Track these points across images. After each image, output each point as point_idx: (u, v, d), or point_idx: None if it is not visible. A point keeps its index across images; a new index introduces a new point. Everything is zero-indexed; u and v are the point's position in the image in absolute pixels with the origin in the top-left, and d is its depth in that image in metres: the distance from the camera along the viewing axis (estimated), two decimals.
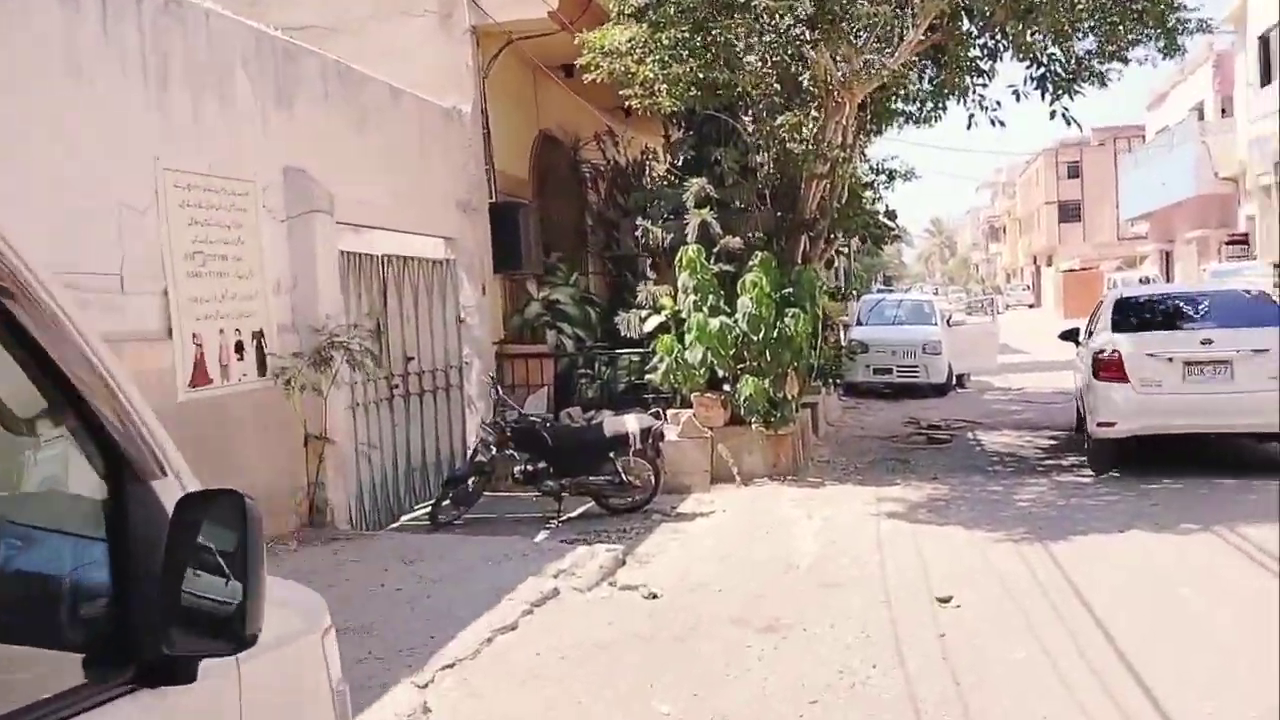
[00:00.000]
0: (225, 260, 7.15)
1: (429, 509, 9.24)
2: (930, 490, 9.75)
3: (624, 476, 9.31)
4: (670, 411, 10.70)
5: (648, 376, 10.95)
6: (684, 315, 10.37)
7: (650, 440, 9.31)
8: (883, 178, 15.00)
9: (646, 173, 15.29)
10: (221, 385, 7.02)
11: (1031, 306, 62.66)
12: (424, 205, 10.10)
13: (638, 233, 11.09)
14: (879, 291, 29.87)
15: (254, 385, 7.36)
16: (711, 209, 10.60)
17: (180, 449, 5.11)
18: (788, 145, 11.09)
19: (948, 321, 19.00)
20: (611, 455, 9.29)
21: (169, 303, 6.58)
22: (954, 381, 18.30)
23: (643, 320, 10.97)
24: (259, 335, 7.45)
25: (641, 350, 11.17)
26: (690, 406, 10.73)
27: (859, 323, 18.74)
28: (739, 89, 10.57)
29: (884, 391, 18.35)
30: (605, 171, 14.23)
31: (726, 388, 10.50)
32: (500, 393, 9.54)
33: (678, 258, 10.29)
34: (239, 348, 7.23)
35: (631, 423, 9.30)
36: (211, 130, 7.10)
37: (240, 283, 7.29)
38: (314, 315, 7.91)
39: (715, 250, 10.60)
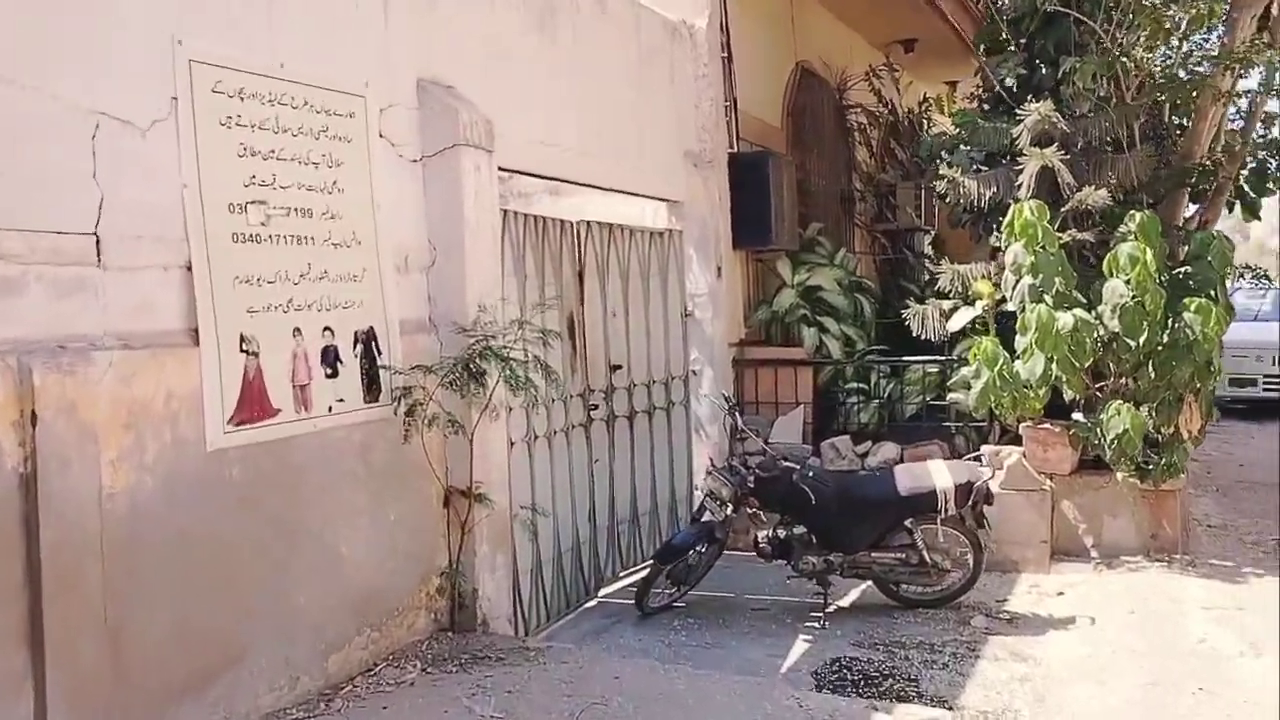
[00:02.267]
0: (308, 218, 4.47)
1: (637, 585, 6.34)
2: None
3: (926, 555, 6.07)
4: (987, 448, 7.32)
5: (950, 396, 7.60)
6: (1014, 307, 6.96)
7: (972, 503, 6.01)
8: None
9: (926, 129, 11.83)
10: (296, 418, 4.34)
11: None
12: (638, 153, 7.19)
13: (939, 186, 7.69)
14: None
15: (356, 416, 4.65)
16: (1060, 151, 7.08)
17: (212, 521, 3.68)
18: (1165, 58, 7.44)
19: None
20: (908, 523, 6.07)
21: (195, 284, 3.94)
22: None
23: (945, 315, 7.61)
24: (367, 337, 4.74)
25: (940, 358, 7.82)
26: (1017, 441, 7.32)
27: None
28: None
29: (1238, 409, 13.95)
30: (881, 118, 10.89)
31: (1077, 416, 6.99)
32: (740, 421, 6.47)
33: (1007, 221, 6.86)
34: (329, 357, 4.54)
35: (942, 474, 6.03)
36: (288, 8, 4.43)
37: (336, 254, 4.60)
38: (460, 307, 5.14)
39: (1063, 210, 7.10)
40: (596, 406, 6.73)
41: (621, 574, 7.05)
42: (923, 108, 12.21)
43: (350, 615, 4.59)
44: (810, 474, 6.00)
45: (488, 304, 5.22)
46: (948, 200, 7.73)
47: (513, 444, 5.74)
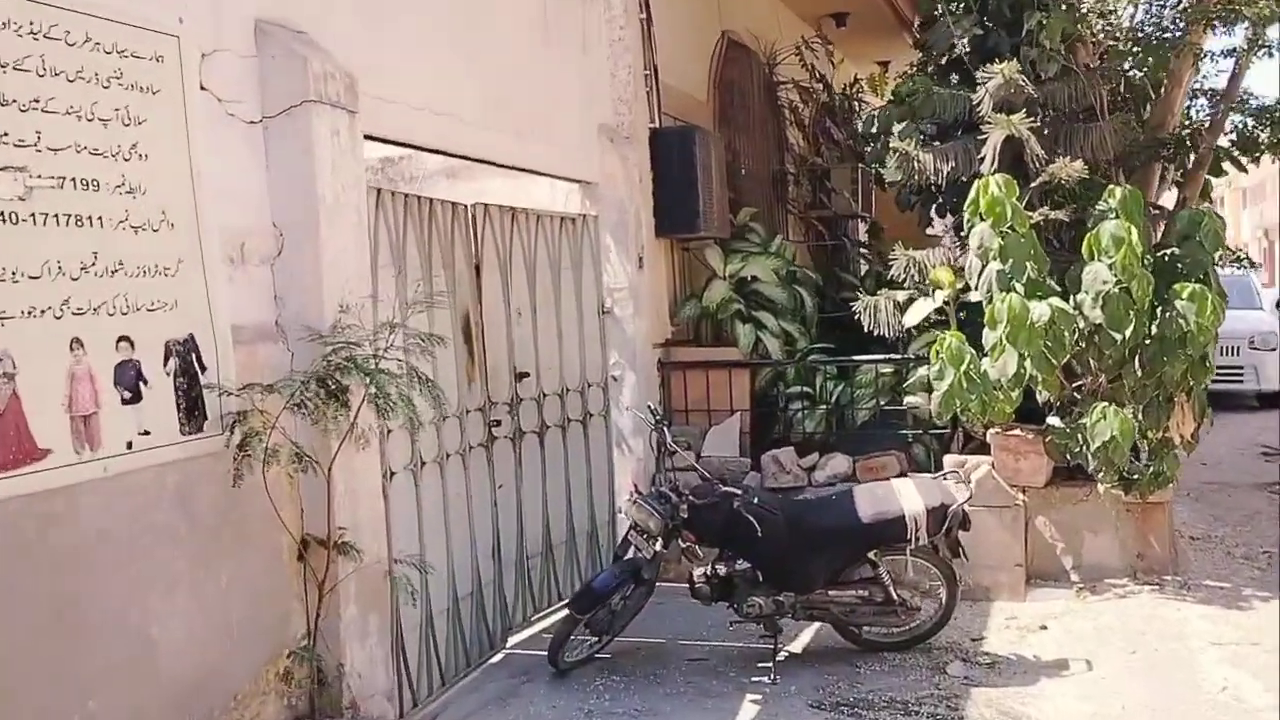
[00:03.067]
0: (94, 191, 3.34)
1: (551, 638, 5.29)
2: None
3: (893, 591, 5.15)
4: (950, 458, 6.46)
5: (907, 400, 6.71)
6: (980, 297, 6.08)
7: (946, 529, 5.10)
8: None
9: (856, 111, 11.02)
10: (76, 459, 3.21)
11: (1266, 286, 54.56)
12: (545, 127, 6.15)
13: (889, 162, 6.79)
14: None
15: (169, 453, 3.53)
16: (1028, 118, 6.21)
17: None
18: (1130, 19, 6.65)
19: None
20: (872, 554, 5.15)
21: None
22: None
23: (900, 307, 6.72)
24: (185, 348, 3.62)
25: (895, 357, 6.92)
26: (982, 450, 6.47)
27: None
28: None
29: None
30: (814, 94, 10.00)
31: (1053, 420, 6.14)
32: (670, 438, 5.45)
33: (970, 198, 5.97)
34: (128, 376, 3.41)
35: (910, 496, 5.11)
36: None
37: (137, 240, 3.47)
38: (315, 308, 4.04)
39: (1033, 185, 6.25)
40: (499, 422, 5.68)
41: (534, 618, 6.01)
42: (854, 88, 11.37)
43: (168, 716, 3.47)
44: (755, 500, 5.03)
45: (352, 303, 4.13)
46: (895, 181, 6.84)
47: (392, 474, 4.67)
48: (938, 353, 6.01)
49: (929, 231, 7.54)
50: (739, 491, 5.01)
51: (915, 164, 6.55)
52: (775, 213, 9.51)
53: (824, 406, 7.01)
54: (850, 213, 10.28)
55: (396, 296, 4.63)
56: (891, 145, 6.67)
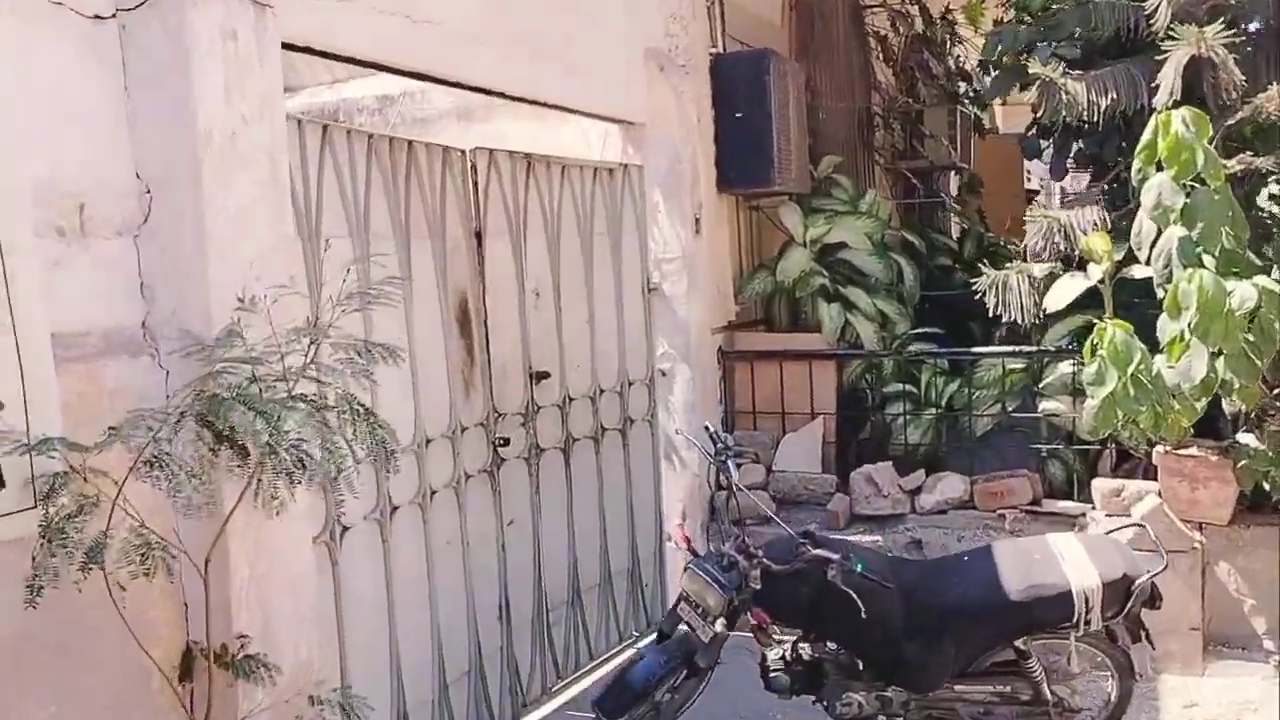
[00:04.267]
0: None
1: None
2: None
3: (1045, 688, 3.69)
4: (1100, 483, 4.94)
5: (1044, 405, 5.19)
6: (1153, 273, 4.51)
7: (1127, 607, 3.61)
8: None
9: (948, 48, 9.35)
10: None
11: None
12: (573, 48, 4.67)
13: (1029, 95, 5.22)
14: None
15: None
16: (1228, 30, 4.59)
17: None
18: None
19: None
20: (1021, 641, 3.69)
21: None
22: None
23: (1037, 285, 5.16)
24: None
25: (1029, 349, 5.37)
26: (1134, 473, 4.96)
27: None
28: None
29: None
30: (908, 18, 8.37)
31: (1246, 438, 4.58)
32: (735, 474, 3.95)
33: (1145, 140, 4.36)
34: None
35: (1079, 564, 3.61)
36: None
37: None
38: (197, 302, 2.66)
39: (1229, 124, 4.64)
40: (507, 440, 4.29)
41: (556, 688, 4.66)
42: (944, 26, 9.66)
43: None
44: (857, 566, 3.54)
45: (260, 294, 2.73)
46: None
47: (344, 531, 3.32)
48: (1094, 348, 4.47)
49: (1065, 187, 6.00)
50: (835, 555, 3.54)
51: (1063, 96, 4.94)
52: (861, 163, 7.93)
53: (932, 411, 5.49)
54: (948, 163, 8.67)
55: (359, 277, 3.21)
56: (1031, 71, 5.07)
